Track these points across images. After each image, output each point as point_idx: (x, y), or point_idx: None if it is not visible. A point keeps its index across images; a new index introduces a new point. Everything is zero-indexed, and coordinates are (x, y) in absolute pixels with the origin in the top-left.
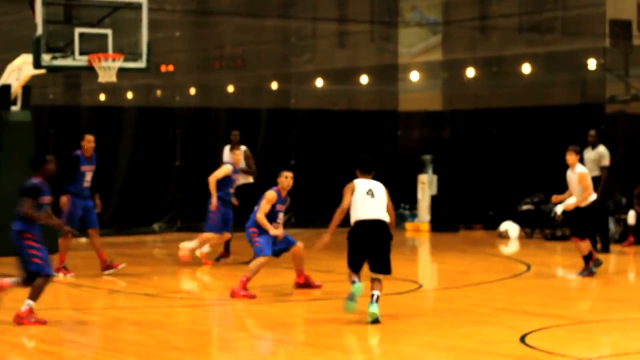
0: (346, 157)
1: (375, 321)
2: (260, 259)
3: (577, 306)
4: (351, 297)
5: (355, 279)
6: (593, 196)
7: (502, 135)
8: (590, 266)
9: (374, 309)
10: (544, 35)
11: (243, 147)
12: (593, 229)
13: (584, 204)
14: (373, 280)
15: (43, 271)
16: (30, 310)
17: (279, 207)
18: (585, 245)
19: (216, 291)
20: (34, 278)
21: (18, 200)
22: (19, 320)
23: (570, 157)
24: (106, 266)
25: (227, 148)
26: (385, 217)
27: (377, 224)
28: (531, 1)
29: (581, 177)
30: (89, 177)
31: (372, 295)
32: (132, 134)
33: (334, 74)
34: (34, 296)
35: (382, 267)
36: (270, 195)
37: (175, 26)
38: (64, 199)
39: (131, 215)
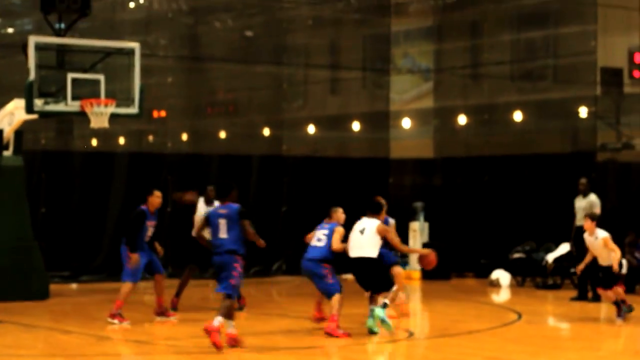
0: (338, 204)
1: (371, 332)
2: None
3: (568, 356)
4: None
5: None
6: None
7: (493, 183)
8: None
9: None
10: (535, 83)
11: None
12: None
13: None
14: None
15: None
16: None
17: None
18: (617, 292)
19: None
20: None
21: None
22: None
23: (587, 225)
24: (160, 312)
25: (202, 201)
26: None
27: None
28: (523, 49)
29: (605, 242)
30: (150, 232)
31: (372, 310)
32: (123, 180)
33: (326, 121)
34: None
35: (377, 288)
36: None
37: (167, 72)
38: (136, 257)
39: (122, 262)
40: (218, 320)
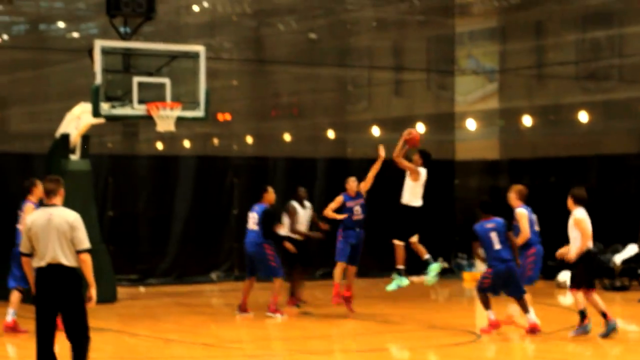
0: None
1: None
2: None
3: (636, 358)
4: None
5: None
6: None
7: (559, 184)
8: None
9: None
10: (600, 83)
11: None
12: None
13: None
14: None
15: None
16: None
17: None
18: None
19: (272, 341)
20: None
21: None
22: None
23: None
24: (275, 310)
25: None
26: None
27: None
28: (588, 49)
29: None
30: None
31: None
32: (189, 183)
33: (390, 123)
34: None
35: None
36: None
37: (232, 75)
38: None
39: (189, 265)
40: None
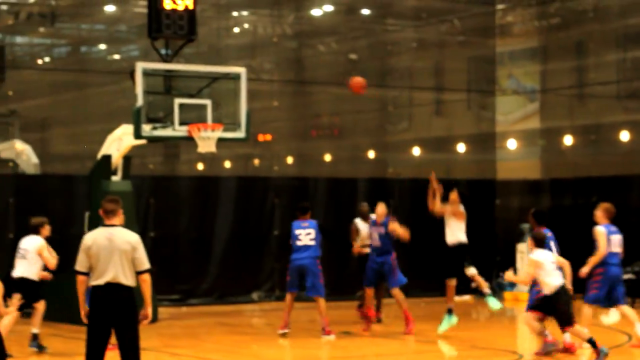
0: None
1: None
2: None
3: None
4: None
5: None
6: None
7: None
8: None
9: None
10: None
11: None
12: None
13: None
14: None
15: None
16: None
17: None
18: None
19: None
20: None
21: None
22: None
23: None
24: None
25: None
26: None
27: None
28: (629, 68)
29: None
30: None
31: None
32: (230, 203)
33: (431, 143)
34: None
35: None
36: None
37: (272, 96)
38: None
39: (230, 285)
40: None
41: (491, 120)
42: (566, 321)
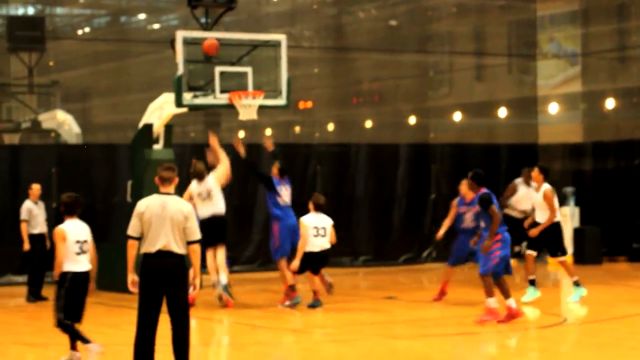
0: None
1: None
2: None
3: None
4: None
5: None
6: None
7: None
8: None
9: None
10: None
11: None
12: None
13: None
14: None
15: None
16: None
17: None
18: None
19: (358, 326)
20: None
21: None
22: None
23: None
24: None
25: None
26: None
27: None
28: None
29: None
30: None
31: None
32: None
33: (472, 108)
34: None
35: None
36: None
37: (313, 63)
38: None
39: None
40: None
41: (532, 84)
42: None
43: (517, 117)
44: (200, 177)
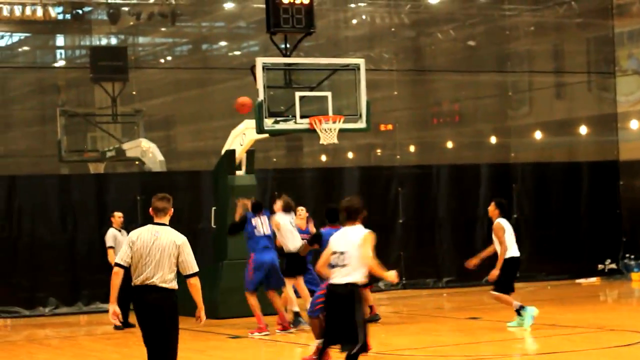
0: (567, 209)
1: None
2: None
3: None
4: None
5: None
6: None
7: None
8: None
9: None
10: None
11: None
12: None
13: None
14: None
15: None
16: None
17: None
18: None
19: (442, 347)
20: None
21: None
22: None
23: None
24: None
25: None
26: None
27: None
28: None
29: None
30: None
31: None
32: (354, 194)
33: (552, 126)
34: None
35: None
36: None
37: (392, 85)
38: None
39: None
40: None
41: (612, 101)
42: None
43: (597, 135)
44: (289, 210)
